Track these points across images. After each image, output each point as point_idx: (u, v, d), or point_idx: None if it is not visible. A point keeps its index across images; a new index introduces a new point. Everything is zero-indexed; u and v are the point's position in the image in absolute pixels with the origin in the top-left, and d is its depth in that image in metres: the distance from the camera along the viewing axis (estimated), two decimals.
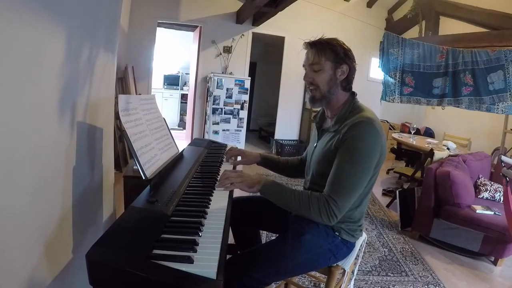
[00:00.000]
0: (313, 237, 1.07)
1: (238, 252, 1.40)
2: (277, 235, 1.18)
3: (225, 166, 1.41)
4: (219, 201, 1.00)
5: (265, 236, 2.24)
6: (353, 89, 1.17)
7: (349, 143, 1.01)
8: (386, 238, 2.57)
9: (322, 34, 1.14)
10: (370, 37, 5.56)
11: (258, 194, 1.11)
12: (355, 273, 1.28)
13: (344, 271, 1.18)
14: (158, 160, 1.17)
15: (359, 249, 1.27)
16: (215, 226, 0.84)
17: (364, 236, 1.27)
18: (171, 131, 1.46)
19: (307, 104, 5.21)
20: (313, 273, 1.71)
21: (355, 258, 1.25)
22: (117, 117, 1.04)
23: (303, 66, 1.16)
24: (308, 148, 1.32)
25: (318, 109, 1.27)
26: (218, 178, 1.18)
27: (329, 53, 1.09)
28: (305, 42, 1.13)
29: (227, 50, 4.83)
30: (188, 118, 5.24)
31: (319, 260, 1.10)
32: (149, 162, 1.08)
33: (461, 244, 2.36)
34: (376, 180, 1.11)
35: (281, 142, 5.15)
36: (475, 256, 2.36)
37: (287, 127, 5.42)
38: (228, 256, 0.96)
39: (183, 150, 1.50)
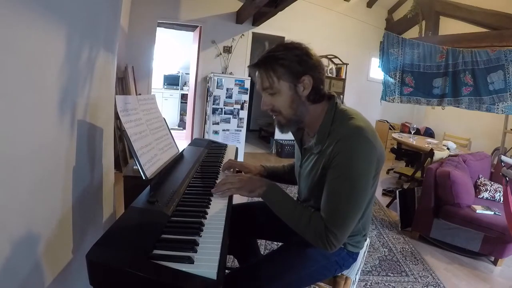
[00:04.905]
0: (319, 249, 0.98)
1: (238, 263, 1.35)
2: (278, 243, 1.12)
3: None
4: (219, 201, 1.00)
5: (263, 243, 2.23)
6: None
7: (339, 162, 0.86)
8: (386, 238, 2.57)
9: (288, 39, 0.97)
10: (370, 37, 5.55)
11: (256, 199, 1.03)
12: (357, 278, 1.25)
13: (348, 279, 1.13)
14: (158, 160, 1.17)
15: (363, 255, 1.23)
16: (215, 226, 0.84)
17: (367, 241, 1.24)
18: (171, 131, 1.46)
19: None
20: None
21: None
22: (117, 117, 1.04)
23: (258, 91, 0.97)
24: (294, 163, 1.20)
25: None
26: (218, 180, 1.17)
27: (281, 71, 0.89)
28: (249, 66, 0.96)
29: (227, 50, 4.82)
30: (188, 118, 5.24)
31: (325, 272, 1.05)
32: (149, 162, 1.08)
33: (461, 244, 2.36)
34: (377, 186, 1.01)
35: (281, 142, 5.15)
36: (475, 256, 2.36)
37: None
38: (228, 256, 0.94)
39: (183, 150, 1.49)
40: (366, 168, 0.86)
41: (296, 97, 0.92)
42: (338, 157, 0.87)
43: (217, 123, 4.44)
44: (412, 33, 5.23)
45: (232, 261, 1.80)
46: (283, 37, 5.06)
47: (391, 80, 3.37)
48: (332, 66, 5.16)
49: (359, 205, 0.89)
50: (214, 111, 4.38)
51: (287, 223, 0.96)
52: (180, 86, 6.53)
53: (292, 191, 3.11)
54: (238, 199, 1.10)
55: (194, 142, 1.75)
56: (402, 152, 4.28)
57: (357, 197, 0.87)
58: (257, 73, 0.94)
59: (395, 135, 4.01)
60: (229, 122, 4.50)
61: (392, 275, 2.04)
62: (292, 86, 0.91)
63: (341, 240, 0.89)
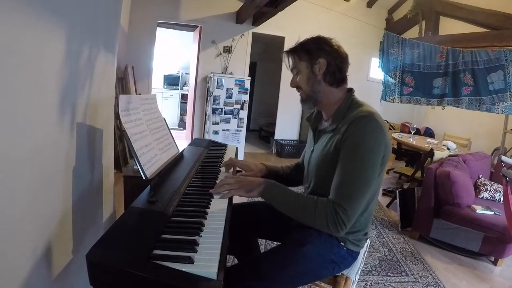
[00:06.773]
0: (315, 247, 1.01)
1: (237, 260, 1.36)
2: (278, 243, 1.13)
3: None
4: (219, 201, 1.00)
5: (264, 244, 2.23)
6: (353, 89, 1.12)
7: (351, 141, 0.94)
8: (386, 238, 2.57)
9: (319, 33, 1.11)
10: (370, 37, 5.55)
11: (256, 199, 1.04)
12: (357, 278, 1.25)
13: (348, 279, 1.12)
14: (158, 160, 1.17)
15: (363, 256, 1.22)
16: (215, 227, 0.84)
17: (368, 241, 1.23)
18: (171, 131, 1.46)
19: None
20: None
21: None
22: (117, 117, 1.04)
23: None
24: (305, 153, 1.25)
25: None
26: (218, 180, 1.17)
27: (302, 53, 1.08)
28: (283, 53, 1.14)
29: (227, 50, 4.82)
30: (188, 118, 5.24)
31: (321, 271, 1.06)
32: (149, 162, 1.08)
33: (461, 244, 2.36)
34: (383, 178, 1.05)
35: (281, 142, 5.15)
36: (475, 256, 2.36)
37: (287, 127, 5.42)
38: (228, 256, 0.94)
39: (183, 150, 1.49)
40: (375, 145, 0.94)
41: (312, 76, 1.07)
42: (349, 138, 0.95)
43: (217, 123, 4.44)
44: (412, 33, 5.23)
45: (232, 261, 1.79)
46: (283, 37, 5.07)
47: (391, 80, 3.37)
48: None
49: (368, 181, 0.93)
50: (214, 111, 4.38)
51: (292, 217, 0.99)
52: (180, 86, 6.54)
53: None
54: (238, 198, 1.10)
55: (194, 142, 1.75)
56: (402, 152, 4.28)
57: (366, 172, 0.92)
58: (287, 59, 1.13)
59: (395, 135, 4.01)
60: (229, 122, 4.50)
61: (392, 275, 2.04)
62: (309, 65, 1.07)
63: (350, 216, 0.91)
